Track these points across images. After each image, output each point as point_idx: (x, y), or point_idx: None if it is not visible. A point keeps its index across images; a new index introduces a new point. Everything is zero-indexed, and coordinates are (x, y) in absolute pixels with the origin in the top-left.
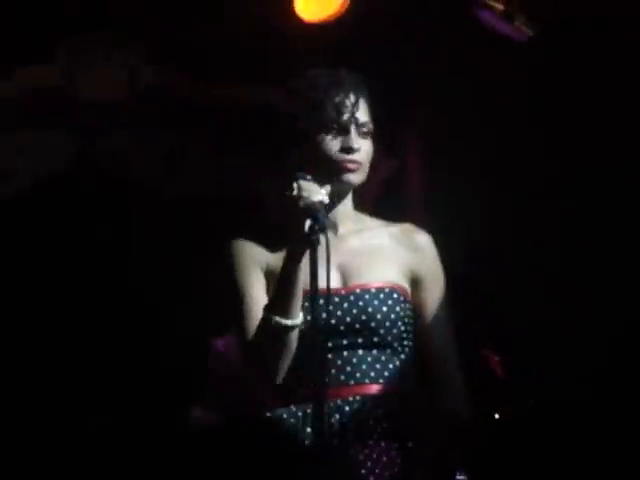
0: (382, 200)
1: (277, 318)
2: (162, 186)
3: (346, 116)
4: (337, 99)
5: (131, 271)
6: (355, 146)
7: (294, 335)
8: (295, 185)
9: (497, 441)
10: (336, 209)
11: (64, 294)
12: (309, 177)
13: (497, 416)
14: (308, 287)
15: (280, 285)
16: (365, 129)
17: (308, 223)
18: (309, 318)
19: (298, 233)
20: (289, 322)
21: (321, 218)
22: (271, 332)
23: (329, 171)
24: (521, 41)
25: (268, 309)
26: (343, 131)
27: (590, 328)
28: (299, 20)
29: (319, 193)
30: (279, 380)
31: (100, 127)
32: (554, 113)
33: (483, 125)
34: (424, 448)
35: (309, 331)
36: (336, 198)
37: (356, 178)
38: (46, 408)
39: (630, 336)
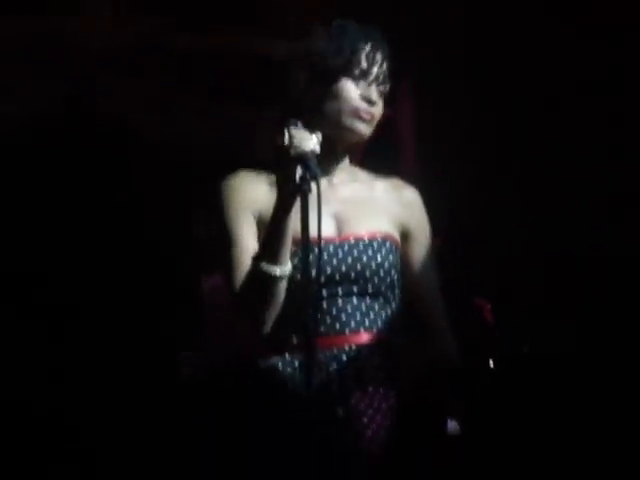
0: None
1: (266, 266)
2: (148, 131)
3: (375, 69)
4: (368, 50)
5: (128, 214)
6: (374, 99)
7: (282, 285)
8: (286, 133)
9: (490, 388)
10: (333, 158)
11: (58, 231)
12: (300, 124)
13: (491, 363)
14: (299, 236)
15: (269, 233)
16: (383, 88)
17: (299, 171)
18: (301, 266)
19: (288, 181)
20: (278, 270)
21: (312, 166)
22: (259, 281)
23: (342, 116)
24: None
25: (257, 257)
26: (366, 82)
27: (579, 278)
28: None
29: (310, 141)
30: (267, 329)
31: (90, 74)
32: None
33: (476, 71)
34: (414, 397)
35: (302, 280)
36: (340, 147)
37: (365, 129)
38: (37, 347)
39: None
